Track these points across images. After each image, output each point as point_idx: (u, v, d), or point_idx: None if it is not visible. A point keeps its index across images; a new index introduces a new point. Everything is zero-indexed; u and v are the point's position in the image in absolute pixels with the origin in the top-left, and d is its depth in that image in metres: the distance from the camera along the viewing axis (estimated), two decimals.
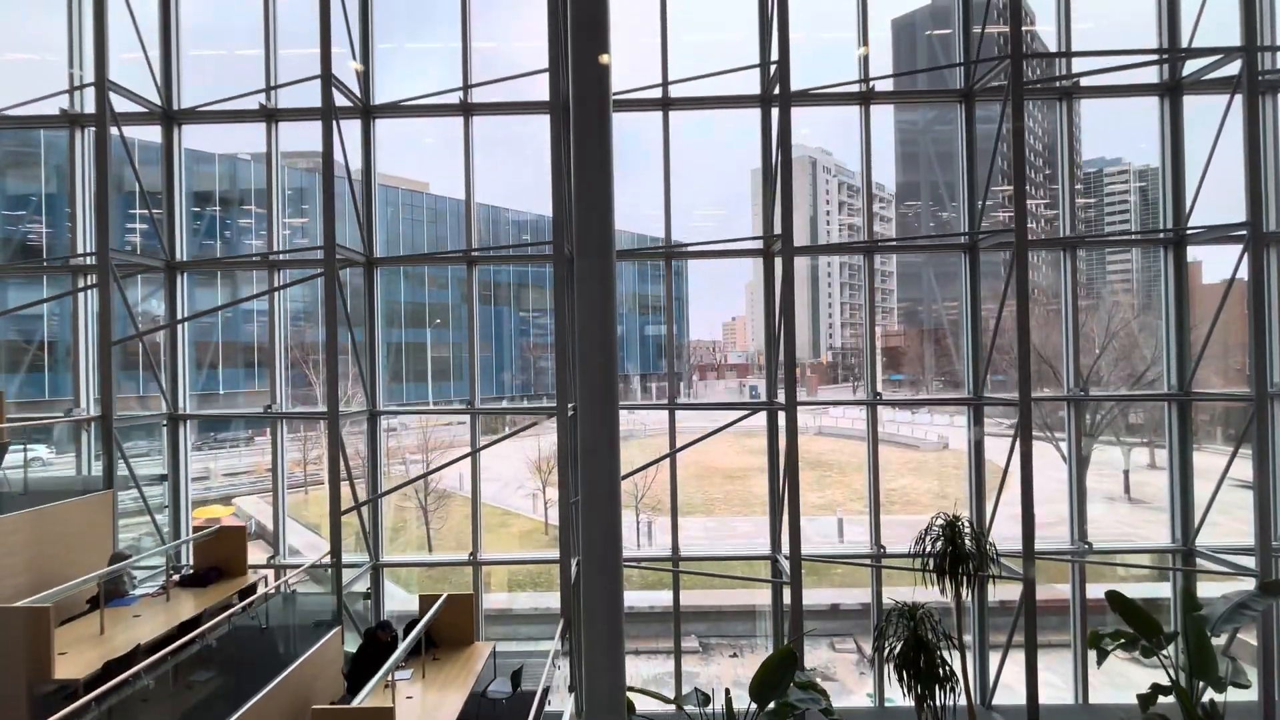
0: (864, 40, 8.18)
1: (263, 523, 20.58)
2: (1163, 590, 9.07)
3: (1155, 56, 7.74)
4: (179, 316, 8.22)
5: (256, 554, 19.05)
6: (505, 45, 10.02)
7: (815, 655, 11.89)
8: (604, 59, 6.59)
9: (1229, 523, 8.87)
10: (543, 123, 7.43)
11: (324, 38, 7.22)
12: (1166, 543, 8.18)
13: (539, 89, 7.63)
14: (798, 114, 7.46)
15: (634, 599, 12.46)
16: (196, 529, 7.61)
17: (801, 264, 28.53)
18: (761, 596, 12.10)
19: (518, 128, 11.05)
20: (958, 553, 5.99)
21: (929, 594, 6.99)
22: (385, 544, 8.82)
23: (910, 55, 11.77)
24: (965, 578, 5.98)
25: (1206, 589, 8.48)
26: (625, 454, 7.04)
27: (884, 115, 9.05)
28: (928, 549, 6.32)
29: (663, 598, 10.53)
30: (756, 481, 24.71)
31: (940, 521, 6.33)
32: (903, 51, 11.78)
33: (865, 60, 8.06)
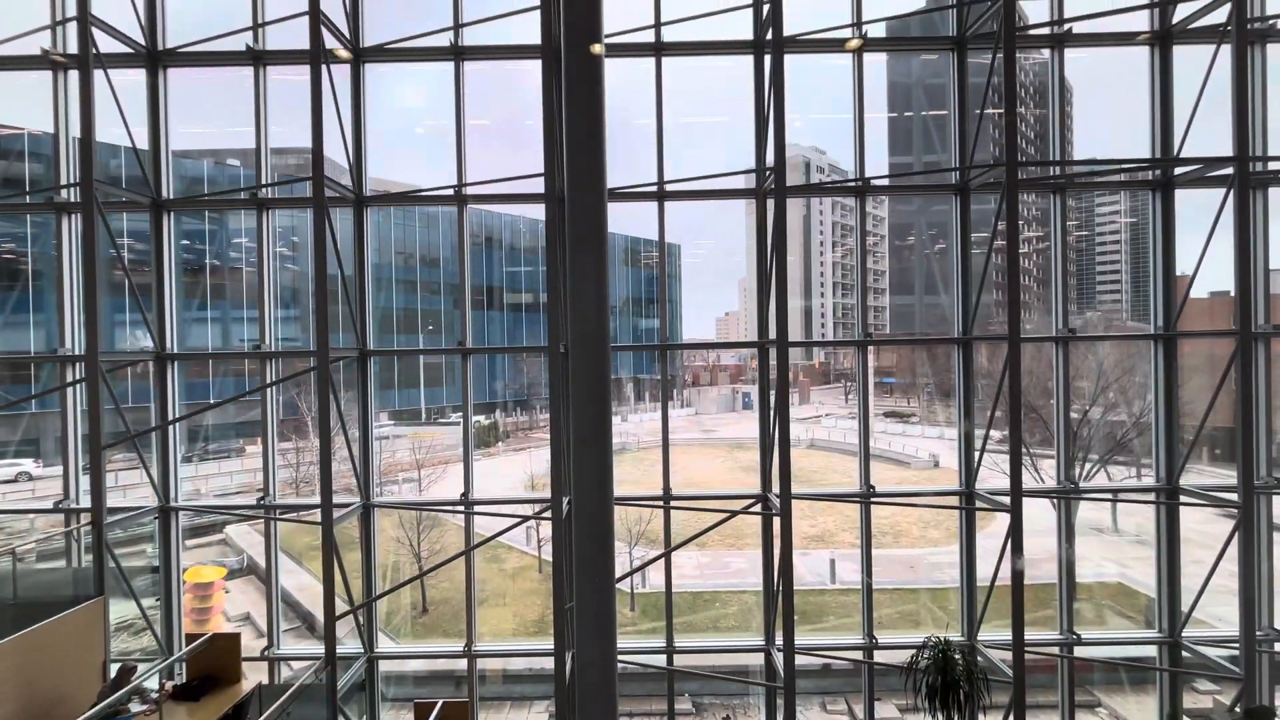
0: (859, 32, 8.14)
1: (254, 558, 20.47)
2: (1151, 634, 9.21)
3: (1148, 162, 7.78)
4: (169, 408, 8.15)
5: (250, 593, 18.81)
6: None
7: (806, 715, 12.01)
8: (596, 49, 6.63)
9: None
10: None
11: (316, 136, 7.13)
12: (1152, 590, 8.36)
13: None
14: (791, 113, 7.29)
15: (624, 644, 12.54)
16: (189, 631, 7.56)
17: (796, 258, 28.47)
18: (754, 658, 12.16)
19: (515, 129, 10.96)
20: (948, 679, 6.06)
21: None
22: (379, 587, 8.79)
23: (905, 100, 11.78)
24: (958, 704, 6.06)
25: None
26: (618, 470, 7.00)
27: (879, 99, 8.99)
28: (921, 664, 6.39)
29: (656, 642, 10.61)
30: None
31: (931, 645, 6.39)
32: (899, 110, 11.80)
33: (861, 163, 8.05)
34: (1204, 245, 7.56)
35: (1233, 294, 7.40)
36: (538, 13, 7.11)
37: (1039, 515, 14.15)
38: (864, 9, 8.11)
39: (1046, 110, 8.30)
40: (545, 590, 16.57)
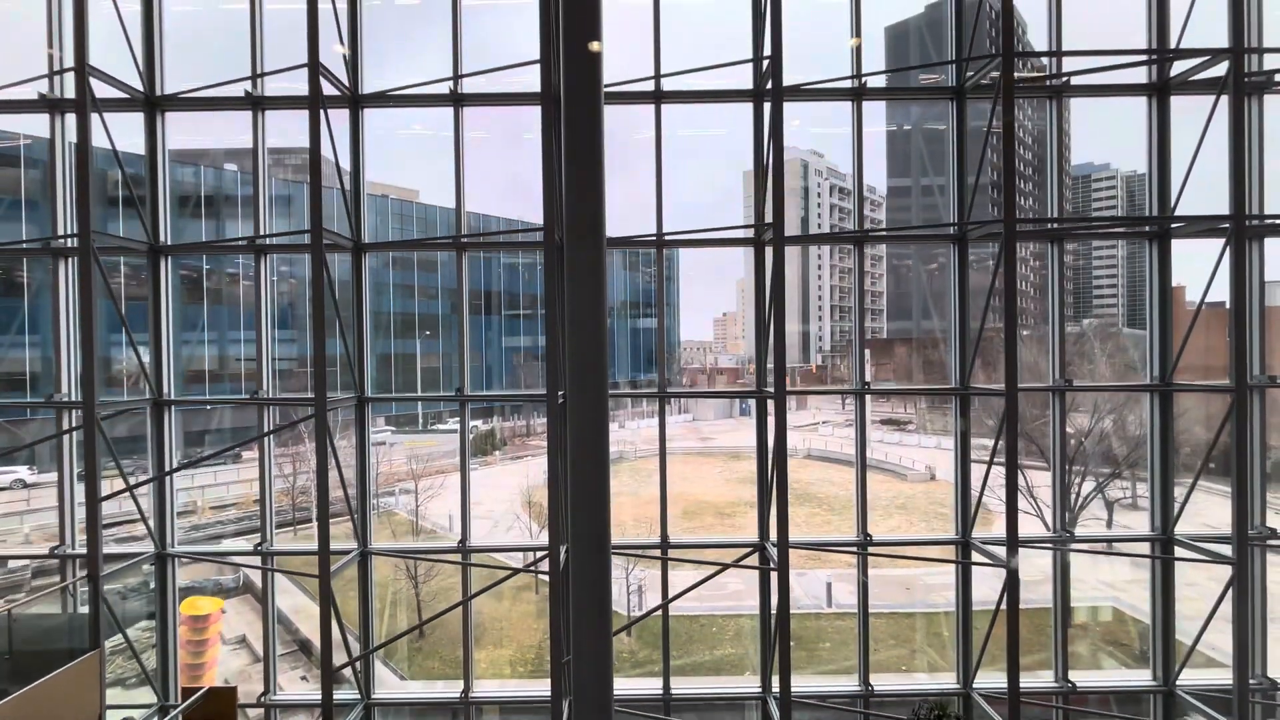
0: (856, 33, 8.14)
1: (250, 576, 20.47)
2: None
3: (1145, 219, 7.82)
4: (167, 458, 8.13)
5: (245, 613, 18.72)
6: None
7: None
8: (594, 46, 6.72)
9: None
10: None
11: (314, 187, 7.10)
12: (1146, 616, 8.43)
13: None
14: (790, 116, 7.20)
15: (620, 686, 12.57)
16: (186, 662, 7.54)
17: (793, 263, 28.58)
18: (751, 685, 12.21)
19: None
20: None
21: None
22: (375, 613, 8.76)
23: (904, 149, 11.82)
24: None
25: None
26: (614, 482, 7.03)
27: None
28: None
29: (653, 685, 10.77)
30: (747, 520, 24.72)
31: (928, 707, 6.42)
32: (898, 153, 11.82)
33: (860, 216, 8.07)
34: (1200, 300, 7.60)
35: (1228, 305, 7.42)
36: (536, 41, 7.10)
37: (1036, 529, 14.10)
38: (864, 59, 8.12)
39: (1042, 120, 8.32)
40: (543, 611, 16.58)
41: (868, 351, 10.18)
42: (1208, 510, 9.57)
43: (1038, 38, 8.82)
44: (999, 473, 7.00)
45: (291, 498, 21.80)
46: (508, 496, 24.38)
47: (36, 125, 8.63)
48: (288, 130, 8.81)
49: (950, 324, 8.22)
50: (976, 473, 8.66)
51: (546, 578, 7.85)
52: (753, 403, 8.68)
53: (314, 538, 7.03)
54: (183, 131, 8.66)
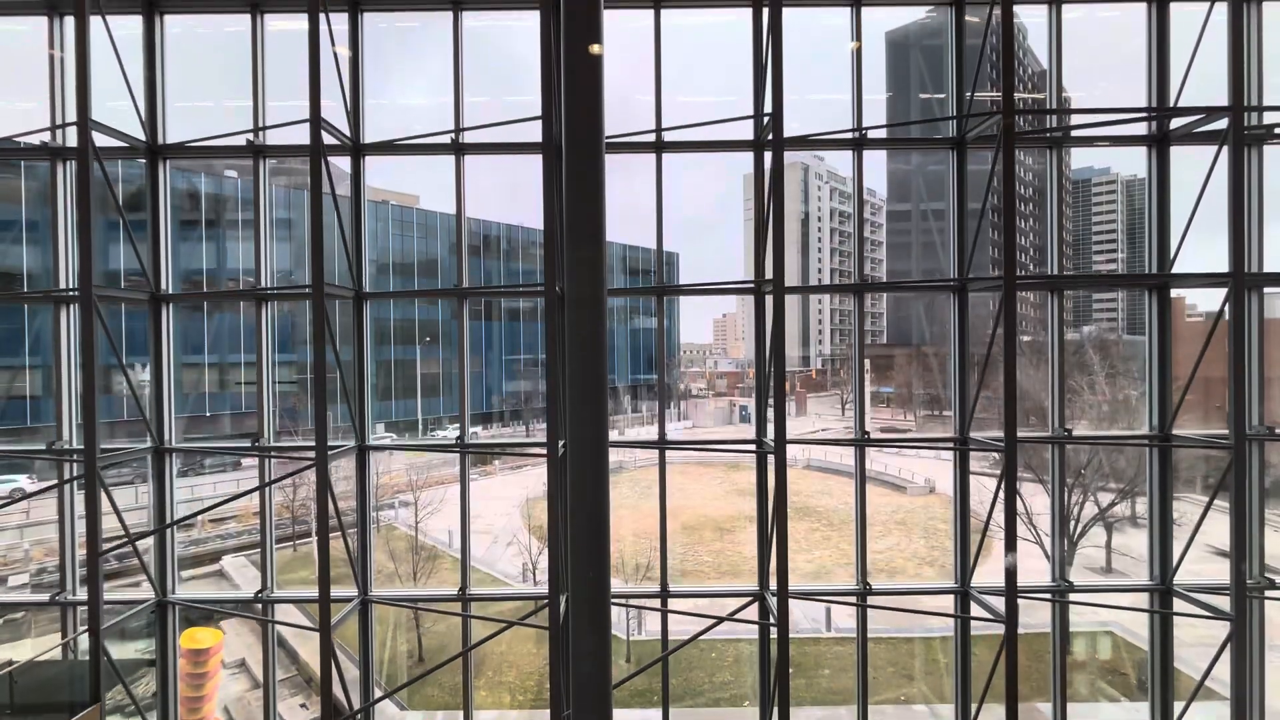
0: (856, 36, 8.20)
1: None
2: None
3: (1144, 277, 7.85)
4: (167, 509, 8.14)
5: (245, 635, 18.69)
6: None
7: None
8: (595, 48, 6.76)
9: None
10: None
11: (316, 238, 7.11)
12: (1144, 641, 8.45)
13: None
14: (791, 118, 7.27)
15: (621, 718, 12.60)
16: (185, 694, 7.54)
17: (793, 276, 28.60)
18: (750, 716, 12.25)
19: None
20: None
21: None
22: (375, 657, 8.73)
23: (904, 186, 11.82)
24: None
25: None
26: (614, 492, 7.01)
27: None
28: None
29: (652, 716, 10.82)
30: (746, 536, 24.55)
31: None
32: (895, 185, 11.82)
33: (860, 266, 8.08)
34: (1194, 365, 7.62)
35: (1227, 317, 7.39)
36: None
37: (1035, 554, 14.09)
38: (864, 64, 8.08)
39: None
40: (543, 637, 16.57)
41: (866, 360, 9.96)
42: (1210, 528, 9.59)
43: (1038, 43, 8.83)
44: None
45: (292, 511, 21.79)
46: (507, 510, 24.32)
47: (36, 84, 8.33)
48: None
49: (950, 373, 8.24)
50: (976, 485, 8.63)
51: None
52: (752, 408, 8.68)
53: (313, 547, 7.00)
54: (184, 135, 8.48)
